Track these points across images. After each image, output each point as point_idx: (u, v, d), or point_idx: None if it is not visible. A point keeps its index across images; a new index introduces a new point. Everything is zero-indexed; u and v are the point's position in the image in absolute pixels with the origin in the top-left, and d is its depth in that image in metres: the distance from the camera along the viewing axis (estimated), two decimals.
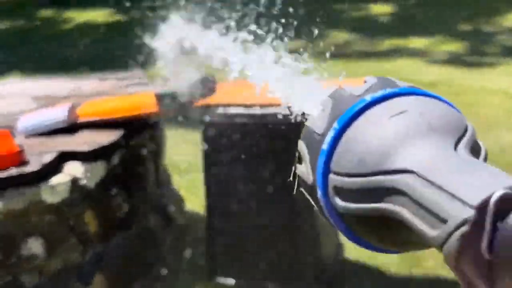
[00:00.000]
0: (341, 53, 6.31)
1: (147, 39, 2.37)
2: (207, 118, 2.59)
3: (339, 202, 0.51)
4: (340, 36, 6.87)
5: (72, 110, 2.69)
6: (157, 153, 3.02)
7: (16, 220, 2.35)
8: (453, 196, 0.43)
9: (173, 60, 2.21)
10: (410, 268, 2.86)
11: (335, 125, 0.52)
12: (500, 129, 4.30)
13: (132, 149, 2.72)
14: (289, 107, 0.76)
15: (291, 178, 0.57)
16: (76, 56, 6.51)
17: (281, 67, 1.03)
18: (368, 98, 0.52)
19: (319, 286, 2.68)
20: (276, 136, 2.42)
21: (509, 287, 0.41)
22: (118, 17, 8.04)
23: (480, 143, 0.51)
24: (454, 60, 6.03)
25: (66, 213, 2.43)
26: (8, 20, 8.34)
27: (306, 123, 0.56)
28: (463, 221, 0.41)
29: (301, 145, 0.55)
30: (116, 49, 5.84)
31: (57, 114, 2.68)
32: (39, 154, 2.45)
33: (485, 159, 0.50)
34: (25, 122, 2.69)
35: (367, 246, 0.53)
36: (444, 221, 0.43)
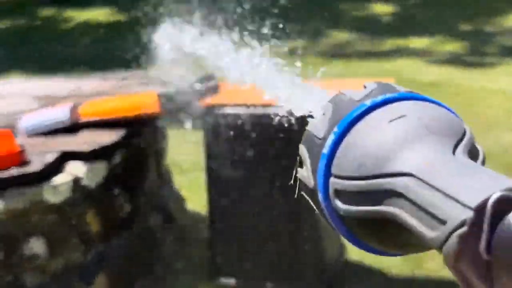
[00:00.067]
0: (341, 53, 6.32)
1: (148, 39, 2.38)
2: (209, 118, 2.59)
3: (340, 205, 0.51)
4: (340, 35, 6.88)
5: (73, 110, 2.70)
6: (159, 152, 3.03)
7: (17, 220, 2.36)
8: (451, 198, 0.44)
9: (174, 60, 2.21)
10: (412, 269, 2.86)
11: (336, 129, 0.53)
12: (500, 129, 4.31)
13: (134, 149, 2.73)
14: (288, 111, 0.77)
15: (292, 182, 0.58)
16: (77, 55, 6.52)
17: (280, 70, 1.04)
18: (368, 103, 0.53)
19: (320, 287, 2.68)
20: (278, 137, 2.43)
21: (507, 287, 0.41)
22: (119, 16, 8.04)
23: (478, 146, 0.52)
24: (454, 60, 6.04)
25: (68, 213, 2.44)
26: (9, 19, 8.34)
27: (307, 128, 0.56)
28: (462, 222, 0.42)
29: (302, 149, 0.56)
30: (117, 48, 5.84)
31: (59, 114, 2.69)
32: (41, 154, 2.46)
33: (483, 163, 0.51)
34: (27, 122, 2.69)
35: (368, 249, 0.53)
36: (443, 222, 0.44)
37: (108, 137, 2.60)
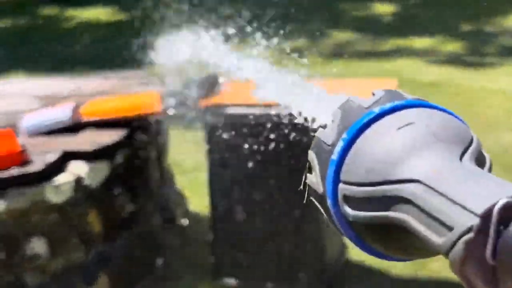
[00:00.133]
0: (342, 53, 6.32)
1: (149, 39, 2.38)
2: (211, 118, 2.59)
3: (348, 210, 0.52)
4: (341, 35, 6.88)
5: (75, 109, 2.70)
6: (160, 152, 3.03)
7: (19, 220, 2.36)
8: (458, 204, 0.45)
9: (176, 60, 2.22)
10: (415, 270, 2.86)
11: (345, 135, 0.53)
12: (500, 129, 4.32)
13: (136, 148, 2.73)
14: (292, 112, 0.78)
15: (301, 188, 0.59)
16: (78, 55, 6.51)
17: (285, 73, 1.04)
18: (377, 110, 0.54)
19: (321, 287, 2.69)
20: (279, 137, 2.43)
21: None
22: (120, 15, 8.03)
23: (485, 154, 0.53)
24: (454, 60, 6.04)
25: (69, 213, 2.44)
26: (9, 18, 8.33)
27: (316, 134, 0.57)
28: (468, 228, 0.43)
29: (311, 155, 0.57)
30: (118, 48, 5.84)
31: (60, 113, 2.69)
32: (42, 154, 2.46)
33: (490, 170, 0.52)
34: (28, 121, 2.69)
35: (376, 254, 0.54)
36: (450, 228, 0.44)
37: (109, 137, 2.60)
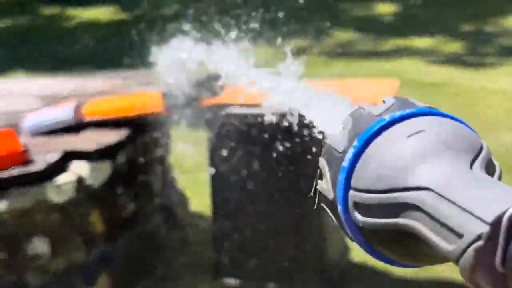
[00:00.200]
0: (343, 53, 6.32)
1: (151, 39, 2.38)
2: (213, 118, 2.59)
3: (358, 217, 0.53)
4: (342, 35, 6.88)
5: (76, 109, 2.70)
6: (163, 152, 3.03)
7: (20, 220, 2.36)
8: (468, 212, 0.45)
9: (177, 60, 2.22)
10: (416, 270, 2.86)
11: (355, 143, 0.54)
12: (500, 129, 4.32)
13: (137, 148, 2.73)
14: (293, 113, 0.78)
15: (312, 194, 0.59)
16: (79, 55, 6.51)
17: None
18: (387, 117, 0.54)
19: (323, 287, 2.69)
20: (281, 137, 2.43)
21: None
22: (122, 15, 8.02)
23: (495, 162, 0.53)
24: (454, 60, 6.05)
25: (71, 213, 2.44)
26: (10, 18, 8.33)
27: (327, 141, 0.58)
28: (478, 236, 0.44)
29: (322, 162, 0.57)
30: (120, 48, 5.83)
31: (62, 113, 2.70)
32: (44, 153, 2.46)
33: (500, 178, 0.52)
34: (30, 121, 2.70)
35: (386, 260, 0.55)
36: (459, 236, 0.45)
37: (111, 136, 2.60)
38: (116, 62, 3.83)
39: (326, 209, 0.57)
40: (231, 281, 2.75)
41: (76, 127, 2.67)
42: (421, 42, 6.56)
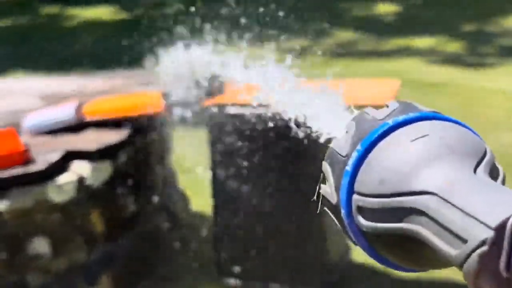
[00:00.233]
0: (344, 52, 6.32)
1: (153, 39, 2.38)
2: (214, 118, 2.59)
3: (362, 221, 0.53)
4: (343, 35, 6.88)
5: (78, 109, 2.70)
6: (163, 152, 3.03)
7: (21, 220, 2.36)
8: (472, 217, 0.45)
9: (180, 60, 2.22)
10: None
11: (359, 147, 0.54)
12: (500, 129, 4.32)
13: (138, 148, 2.73)
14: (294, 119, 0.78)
15: (315, 198, 0.59)
16: (80, 54, 6.51)
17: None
18: (391, 122, 0.54)
19: (324, 287, 2.69)
20: (282, 137, 2.43)
21: None
22: (122, 14, 8.02)
23: (499, 166, 0.53)
24: (454, 60, 6.05)
25: (72, 213, 2.44)
26: (10, 18, 8.33)
27: (330, 145, 0.58)
28: (482, 241, 0.44)
29: (325, 166, 0.57)
30: (120, 47, 5.82)
31: (63, 112, 2.70)
32: (45, 153, 2.46)
33: (503, 182, 0.52)
34: (31, 120, 2.70)
35: (389, 264, 0.55)
36: (464, 241, 0.45)
37: (112, 136, 2.60)
38: (116, 61, 3.83)
39: (329, 213, 0.57)
40: (232, 281, 2.75)
41: (77, 127, 2.67)
42: (422, 42, 6.56)
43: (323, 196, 0.57)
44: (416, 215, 0.49)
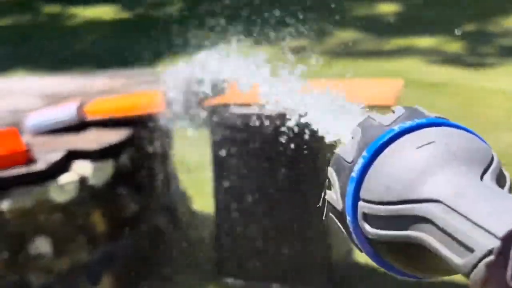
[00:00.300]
0: (345, 52, 6.31)
1: (156, 39, 2.39)
2: (216, 118, 2.59)
3: (368, 228, 0.53)
4: (344, 35, 6.87)
5: (79, 108, 2.70)
6: (165, 152, 3.03)
7: (23, 219, 2.37)
8: (479, 226, 0.45)
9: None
10: None
11: (365, 153, 0.54)
12: (500, 129, 4.32)
13: (140, 148, 2.73)
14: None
15: (320, 204, 0.59)
16: (80, 54, 6.50)
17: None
18: (397, 128, 0.54)
19: (327, 287, 2.69)
20: (285, 136, 2.43)
21: None
22: (123, 14, 8.00)
23: (506, 173, 0.53)
24: (454, 60, 6.04)
25: (74, 212, 2.45)
26: (11, 17, 8.31)
27: (336, 151, 0.57)
28: (489, 251, 0.44)
29: (331, 172, 0.57)
30: (121, 47, 5.83)
31: (65, 112, 2.70)
32: (47, 153, 2.46)
33: (510, 190, 0.52)
34: (33, 120, 2.70)
35: (395, 271, 0.55)
36: (470, 250, 0.45)
37: (114, 136, 2.60)
38: (117, 61, 3.83)
39: (335, 219, 0.57)
40: (233, 281, 2.75)
41: (78, 126, 2.67)
42: (422, 42, 6.56)
43: (328, 202, 0.57)
44: (422, 223, 0.49)
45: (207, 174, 2.78)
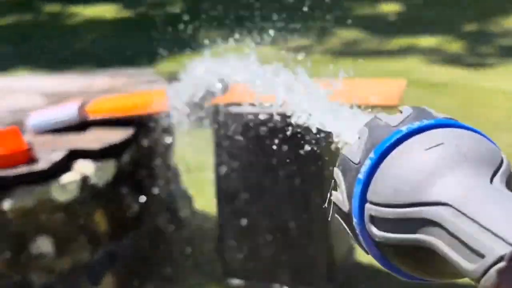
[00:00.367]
0: (347, 52, 6.31)
1: (157, 38, 2.38)
2: (218, 117, 2.59)
3: (375, 231, 0.52)
4: (346, 34, 6.87)
5: (81, 107, 2.70)
6: (167, 151, 3.02)
7: (25, 219, 2.36)
8: (489, 231, 0.45)
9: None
10: None
11: (372, 155, 0.53)
12: (500, 129, 4.32)
13: (142, 147, 2.73)
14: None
15: (326, 205, 0.59)
16: (82, 53, 6.49)
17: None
18: (405, 129, 0.53)
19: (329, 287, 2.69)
20: (288, 136, 2.43)
21: None
22: (125, 13, 7.99)
23: None
24: (455, 60, 6.04)
25: (76, 212, 2.44)
26: (12, 16, 8.31)
27: (342, 152, 0.56)
28: (500, 257, 0.43)
29: (337, 173, 0.56)
30: (123, 46, 5.82)
31: (67, 111, 2.69)
32: (49, 152, 2.46)
33: None
34: (35, 119, 2.69)
35: (402, 274, 0.54)
36: (481, 255, 0.44)
37: (116, 135, 2.60)
38: (118, 60, 3.83)
39: (341, 220, 0.56)
40: (236, 281, 2.75)
41: (80, 125, 2.67)
42: (423, 41, 6.56)
43: (334, 203, 0.56)
44: (430, 226, 0.48)
45: (209, 174, 2.77)
